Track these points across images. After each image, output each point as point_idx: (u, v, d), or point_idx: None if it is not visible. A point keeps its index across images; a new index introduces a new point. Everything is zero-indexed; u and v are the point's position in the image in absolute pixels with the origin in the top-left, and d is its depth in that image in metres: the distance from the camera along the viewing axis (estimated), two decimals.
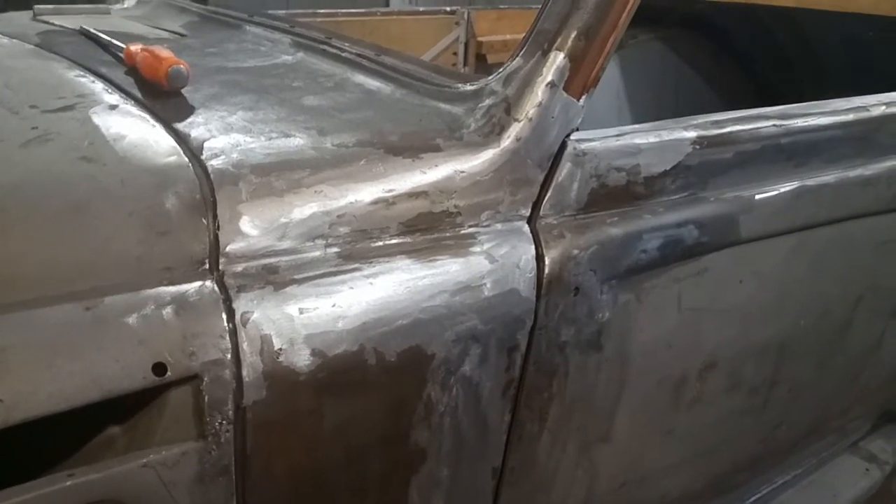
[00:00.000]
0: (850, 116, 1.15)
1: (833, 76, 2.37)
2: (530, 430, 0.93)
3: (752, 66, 2.57)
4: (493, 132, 0.87)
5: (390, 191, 0.81)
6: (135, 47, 1.01)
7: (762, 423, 1.30)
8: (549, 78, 0.86)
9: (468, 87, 0.92)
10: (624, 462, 1.10)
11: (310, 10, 2.35)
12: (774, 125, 1.06)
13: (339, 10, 2.38)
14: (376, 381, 0.76)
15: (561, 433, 0.97)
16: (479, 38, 2.60)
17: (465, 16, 2.59)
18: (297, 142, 0.83)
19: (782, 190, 1.08)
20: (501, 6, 2.76)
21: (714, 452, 1.25)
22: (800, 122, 1.09)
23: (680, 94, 2.56)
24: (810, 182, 1.11)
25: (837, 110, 1.15)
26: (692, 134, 0.98)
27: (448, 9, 2.66)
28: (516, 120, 0.86)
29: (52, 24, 1.33)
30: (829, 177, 1.14)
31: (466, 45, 2.62)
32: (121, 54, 1.06)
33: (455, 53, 2.61)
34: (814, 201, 1.12)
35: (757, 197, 1.05)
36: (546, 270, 0.86)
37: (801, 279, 1.18)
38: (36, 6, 1.41)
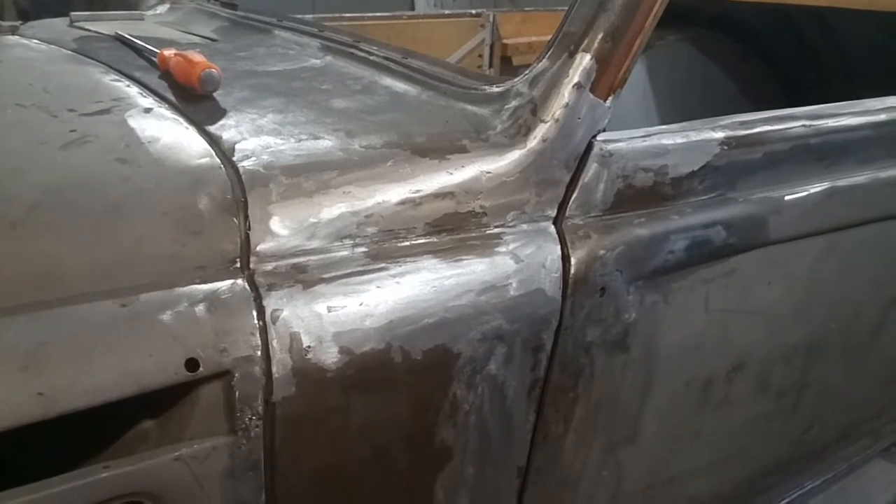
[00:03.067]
0: (883, 116, 1.14)
1: (864, 76, 2.33)
2: (555, 431, 0.93)
3: (781, 67, 2.53)
4: (519, 133, 0.87)
5: (417, 191, 0.82)
6: (168, 52, 1.03)
7: (792, 427, 1.28)
8: (575, 79, 0.86)
9: (494, 89, 0.93)
10: (650, 464, 1.10)
11: (336, 14, 2.38)
12: (804, 125, 1.05)
13: (365, 14, 2.41)
14: (402, 378, 0.77)
15: (586, 434, 0.97)
16: (505, 41, 2.61)
17: (491, 18, 2.59)
18: (326, 143, 0.85)
19: (812, 191, 1.06)
20: (527, 8, 2.76)
21: (742, 455, 1.24)
22: (830, 123, 1.08)
23: (708, 95, 2.53)
24: (841, 183, 1.09)
25: (869, 110, 1.13)
26: (720, 134, 0.97)
27: (473, 11, 2.67)
28: (542, 121, 0.86)
29: (88, 30, 1.37)
30: (860, 177, 1.12)
31: (492, 47, 2.62)
32: (154, 59, 1.09)
33: (480, 56, 2.61)
34: (845, 202, 1.10)
35: (786, 198, 1.04)
36: (572, 271, 0.86)
37: (832, 281, 1.16)
38: (72, 13, 1.45)
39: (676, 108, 2.44)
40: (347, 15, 2.37)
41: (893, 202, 1.17)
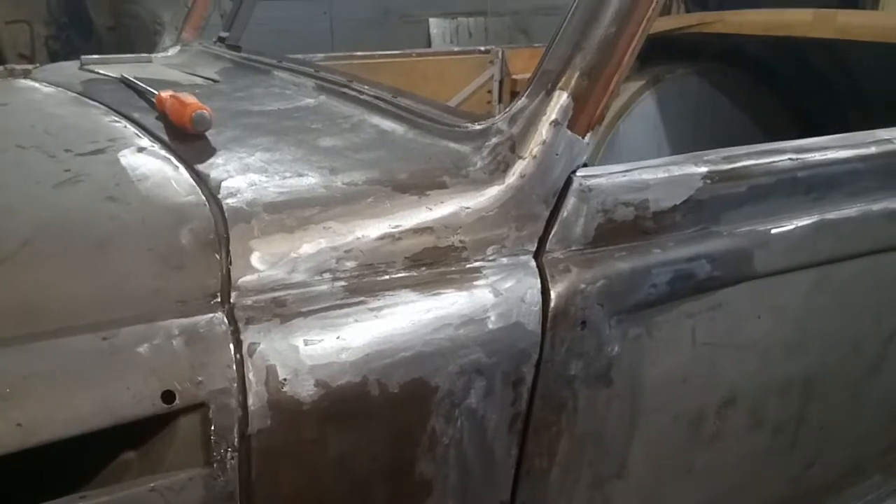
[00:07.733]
0: (872, 149, 1.14)
1: (879, 106, 2.31)
2: (539, 465, 0.93)
3: (792, 99, 2.53)
4: (498, 169, 0.89)
5: (397, 226, 0.83)
6: (165, 94, 1.07)
7: (791, 463, 1.26)
8: (552, 116, 0.88)
9: (476, 127, 0.95)
10: (640, 500, 1.08)
11: (348, 52, 2.44)
12: (790, 159, 1.05)
13: (376, 52, 2.47)
14: (379, 411, 0.78)
15: (572, 468, 0.97)
16: (514, 76, 2.65)
17: (500, 55, 2.64)
18: (309, 180, 0.87)
19: (800, 224, 1.06)
20: (536, 45, 2.81)
21: (739, 492, 1.21)
22: (817, 156, 1.08)
23: (718, 128, 2.54)
24: (830, 216, 1.09)
25: (858, 143, 1.13)
26: (703, 169, 0.98)
27: (482, 48, 2.72)
28: (521, 157, 0.88)
29: (97, 73, 1.43)
30: (850, 210, 1.11)
31: (501, 82, 2.67)
32: (154, 100, 1.13)
33: (490, 91, 2.66)
34: (835, 235, 1.10)
35: (773, 231, 1.04)
36: (552, 304, 0.87)
37: (825, 314, 1.15)
38: (83, 56, 1.51)
39: (687, 141, 2.44)
40: (359, 53, 2.43)
41: (887, 234, 1.16)
